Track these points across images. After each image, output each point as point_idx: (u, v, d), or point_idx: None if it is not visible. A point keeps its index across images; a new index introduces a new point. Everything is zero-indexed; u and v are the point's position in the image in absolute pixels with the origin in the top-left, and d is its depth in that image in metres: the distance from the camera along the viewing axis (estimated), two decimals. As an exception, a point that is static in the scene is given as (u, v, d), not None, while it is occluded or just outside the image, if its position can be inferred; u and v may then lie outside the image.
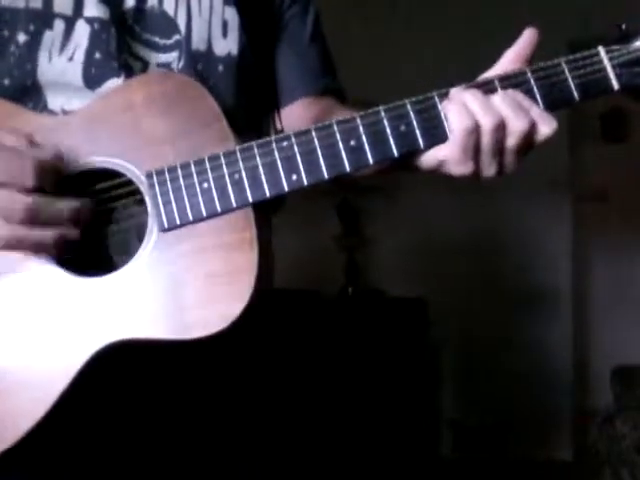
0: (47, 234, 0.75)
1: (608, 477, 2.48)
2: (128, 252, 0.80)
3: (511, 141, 0.79)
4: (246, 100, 0.94)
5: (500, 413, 3.33)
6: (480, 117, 0.78)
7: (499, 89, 0.80)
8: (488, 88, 0.80)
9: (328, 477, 2.81)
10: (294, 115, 1.00)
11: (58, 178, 0.77)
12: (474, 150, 0.78)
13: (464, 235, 3.36)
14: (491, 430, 3.30)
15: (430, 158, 0.80)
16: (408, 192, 3.26)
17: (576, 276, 3.48)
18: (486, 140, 0.78)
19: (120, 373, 0.81)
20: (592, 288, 3.52)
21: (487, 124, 0.77)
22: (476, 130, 0.78)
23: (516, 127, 0.78)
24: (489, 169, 0.80)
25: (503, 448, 3.29)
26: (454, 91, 0.80)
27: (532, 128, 0.78)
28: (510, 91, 0.79)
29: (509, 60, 0.82)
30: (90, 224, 0.79)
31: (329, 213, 3.35)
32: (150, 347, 0.77)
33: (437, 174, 0.83)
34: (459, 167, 0.80)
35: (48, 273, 0.78)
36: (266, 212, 0.86)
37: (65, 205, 0.76)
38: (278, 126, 0.99)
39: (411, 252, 3.38)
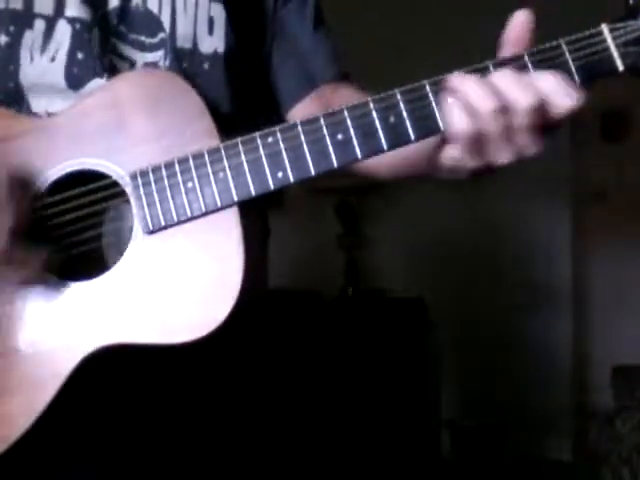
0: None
1: (608, 477, 2.48)
2: (120, 254, 0.80)
3: (518, 120, 0.71)
4: (237, 98, 0.93)
5: (500, 413, 3.33)
6: (479, 104, 0.70)
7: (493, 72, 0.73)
8: (483, 75, 0.73)
9: (328, 477, 2.81)
10: (311, 109, 0.96)
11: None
12: (478, 144, 0.72)
13: (464, 235, 3.36)
14: (491, 430, 3.29)
15: (445, 159, 0.75)
16: (408, 192, 3.26)
17: (576, 276, 3.48)
18: (491, 128, 0.71)
19: (109, 377, 0.81)
20: (592, 288, 3.52)
21: (486, 108, 0.70)
22: (477, 129, 0.71)
23: (520, 104, 0.70)
24: (502, 157, 0.73)
25: (503, 448, 3.29)
26: (450, 80, 0.73)
27: (541, 101, 0.70)
28: (507, 69, 0.72)
29: (505, 46, 0.75)
30: (81, 226, 0.79)
31: (329, 213, 3.35)
32: (138, 351, 0.77)
33: (457, 174, 0.76)
34: (471, 162, 0.74)
35: (36, 277, 0.77)
36: (260, 208, 0.85)
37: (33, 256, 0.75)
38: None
39: (411, 252, 3.38)
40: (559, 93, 0.71)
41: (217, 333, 0.75)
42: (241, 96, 0.93)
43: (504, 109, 0.71)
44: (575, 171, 3.43)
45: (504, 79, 0.71)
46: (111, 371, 0.80)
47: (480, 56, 0.80)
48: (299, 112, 0.97)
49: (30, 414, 0.75)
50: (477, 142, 0.72)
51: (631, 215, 3.28)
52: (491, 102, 0.71)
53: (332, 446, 2.81)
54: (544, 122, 0.72)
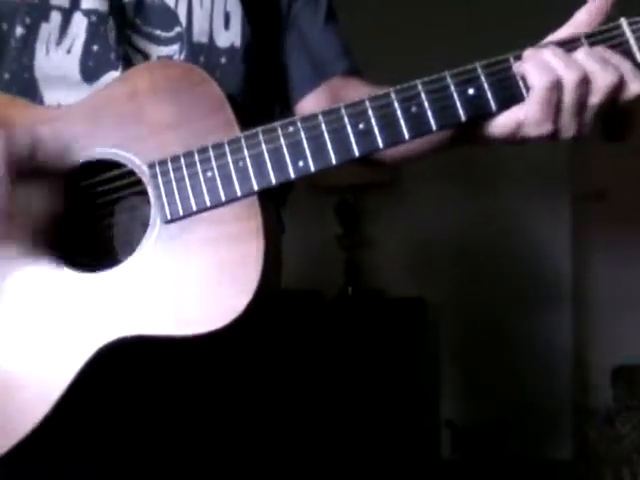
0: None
1: (608, 477, 2.47)
2: (132, 244, 0.79)
3: (595, 99, 0.74)
4: (253, 91, 0.93)
5: (500, 413, 3.32)
6: (562, 72, 0.73)
7: (585, 45, 0.75)
8: (572, 46, 0.75)
9: (328, 477, 2.81)
10: (321, 101, 0.97)
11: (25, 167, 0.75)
12: (556, 108, 0.74)
13: (464, 235, 3.35)
14: (491, 430, 3.29)
15: (507, 121, 0.76)
16: (408, 192, 3.25)
17: (576, 276, 3.47)
18: (568, 97, 0.73)
19: (123, 369, 0.80)
20: (592, 288, 3.51)
21: (570, 79, 0.73)
22: (558, 86, 0.73)
23: (604, 82, 0.73)
24: (569, 130, 0.75)
25: (503, 448, 3.28)
26: (529, 51, 0.75)
27: (620, 84, 0.73)
28: (597, 47, 0.74)
29: (580, 23, 0.77)
30: (93, 216, 0.79)
31: (329, 213, 3.34)
32: (153, 343, 0.76)
33: (511, 140, 0.78)
34: (538, 128, 0.75)
35: (50, 269, 0.77)
36: (274, 204, 0.85)
37: None
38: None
39: (411, 252, 3.38)
40: (635, 78, 0.73)
41: (235, 325, 0.74)
42: (257, 89, 0.94)
43: (585, 80, 0.73)
44: (575, 171, 3.43)
45: (590, 58, 0.73)
46: (125, 363, 0.80)
47: (485, 49, 0.81)
48: (308, 103, 0.98)
49: (44, 407, 0.74)
50: (553, 107, 0.74)
51: (631, 215, 3.28)
52: (575, 72, 0.73)
53: (331, 446, 2.80)
54: (612, 103, 0.74)
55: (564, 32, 0.78)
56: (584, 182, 3.47)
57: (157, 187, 0.77)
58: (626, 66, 0.74)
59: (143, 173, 0.77)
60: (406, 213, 3.34)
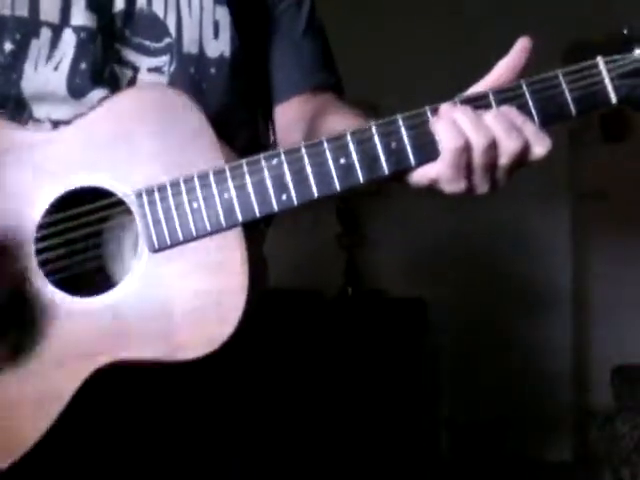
0: None
1: (608, 477, 2.48)
2: (124, 271, 0.80)
3: (503, 160, 0.76)
4: (241, 100, 0.93)
5: (500, 413, 3.33)
6: (471, 136, 0.75)
7: (493, 104, 0.76)
8: (481, 104, 0.77)
9: (327, 477, 2.81)
10: (289, 113, 0.98)
11: None
12: (466, 169, 0.76)
13: (464, 235, 3.35)
14: (491, 431, 3.29)
15: (421, 177, 0.78)
16: (407, 193, 3.25)
17: (576, 276, 3.48)
18: (478, 159, 0.75)
19: (114, 392, 0.81)
20: (592, 288, 3.52)
21: (478, 144, 0.75)
22: (467, 149, 0.75)
23: (508, 148, 0.75)
24: (482, 186, 0.78)
25: (503, 448, 3.29)
26: (444, 107, 0.76)
27: (525, 149, 0.75)
28: (504, 108, 0.76)
29: (501, 71, 0.79)
30: (83, 244, 0.79)
31: (329, 214, 3.35)
32: (142, 367, 0.77)
33: (429, 190, 0.80)
34: (451, 185, 0.77)
35: (42, 293, 0.78)
36: (259, 227, 0.85)
37: None
38: (271, 137, 0.98)
39: (411, 253, 3.38)
40: (537, 141, 0.76)
41: (219, 351, 0.75)
42: (244, 97, 0.93)
43: (493, 145, 0.75)
44: (575, 171, 3.43)
45: (497, 122, 0.75)
46: (116, 387, 0.80)
47: (479, 70, 0.82)
48: (284, 111, 0.98)
49: (38, 428, 0.76)
50: (463, 168, 0.76)
51: (631, 215, 3.28)
52: (484, 138, 0.75)
53: (331, 445, 2.81)
54: (520, 164, 0.77)
55: (484, 84, 0.79)
56: (584, 182, 3.47)
57: (144, 216, 0.77)
58: (530, 129, 0.76)
59: (131, 202, 0.78)
60: (406, 213, 3.34)
